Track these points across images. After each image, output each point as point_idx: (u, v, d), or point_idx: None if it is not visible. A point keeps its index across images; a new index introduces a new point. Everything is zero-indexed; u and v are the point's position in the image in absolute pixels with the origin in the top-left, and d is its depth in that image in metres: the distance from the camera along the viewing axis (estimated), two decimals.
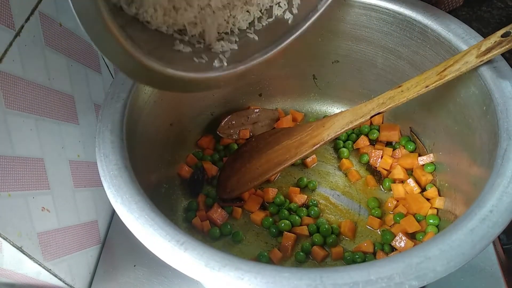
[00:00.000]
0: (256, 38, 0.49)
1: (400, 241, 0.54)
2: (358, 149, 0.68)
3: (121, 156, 0.43)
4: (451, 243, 0.34)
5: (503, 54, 0.47)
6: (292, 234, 0.58)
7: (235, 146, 0.68)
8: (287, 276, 0.33)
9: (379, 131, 0.67)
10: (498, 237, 0.53)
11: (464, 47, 0.49)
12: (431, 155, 0.61)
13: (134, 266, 0.59)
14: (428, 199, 0.58)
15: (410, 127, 0.65)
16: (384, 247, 0.55)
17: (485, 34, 0.49)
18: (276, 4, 0.49)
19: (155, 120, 0.56)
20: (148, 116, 0.53)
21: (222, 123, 0.68)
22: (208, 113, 0.69)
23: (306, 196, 0.62)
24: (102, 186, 0.41)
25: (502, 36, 0.45)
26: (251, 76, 0.48)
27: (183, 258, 0.35)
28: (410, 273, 0.32)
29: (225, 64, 0.45)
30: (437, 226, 0.55)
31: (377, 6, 0.56)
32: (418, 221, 0.57)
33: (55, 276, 0.51)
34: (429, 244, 0.34)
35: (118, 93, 0.49)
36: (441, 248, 0.34)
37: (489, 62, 0.46)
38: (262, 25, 0.49)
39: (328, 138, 0.56)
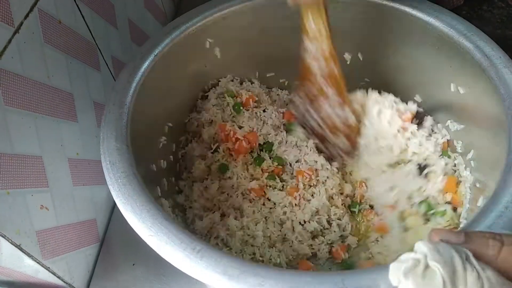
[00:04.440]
0: None
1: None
2: None
3: (128, 163, 0.43)
4: None
5: (503, 48, 0.47)
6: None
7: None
8: (309, 280, 0.32)
9: None
10: None
11: (466, 43, 0.49)
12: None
13: (133, 264, 0.59)
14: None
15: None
16: None
17: (485, 33, 0.49)
18: None
19: (156, 122, 0.55)
20: (150, 119, 0.53)
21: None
22: None
23: None
24: (101, 184, 0.41)
25: None
26: None
27: (200, 266, 0.34)
28: None
29: None
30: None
31: (377, 4, 0.56)
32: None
33: (54, 274, 0.51)
34: None
35: (120, 98, 0.48)
36: None
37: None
38: None
39: None
